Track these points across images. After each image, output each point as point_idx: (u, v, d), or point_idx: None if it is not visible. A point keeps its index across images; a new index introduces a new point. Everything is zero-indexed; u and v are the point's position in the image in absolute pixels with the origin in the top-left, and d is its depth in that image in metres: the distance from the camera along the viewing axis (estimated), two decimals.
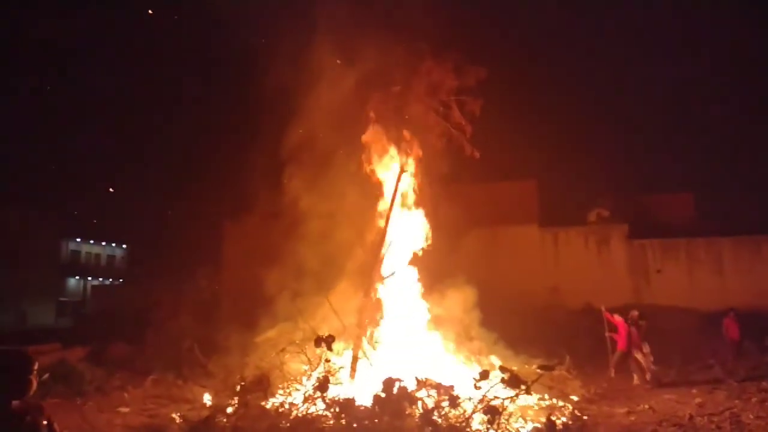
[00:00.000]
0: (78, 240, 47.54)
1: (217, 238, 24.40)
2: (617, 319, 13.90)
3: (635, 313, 13.60)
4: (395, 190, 12.42)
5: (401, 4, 13.58)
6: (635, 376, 13.19)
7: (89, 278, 47.19)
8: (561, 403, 10.67)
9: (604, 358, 14.32)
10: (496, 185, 21.99)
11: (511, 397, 8.60)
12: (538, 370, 9.44)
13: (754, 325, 15.59)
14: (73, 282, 47.41)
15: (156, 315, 18.06)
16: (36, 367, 3.19)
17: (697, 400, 11.32)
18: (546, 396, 10.87)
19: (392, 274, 12.01)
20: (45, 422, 3.24)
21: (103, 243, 49.90)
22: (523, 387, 8.54)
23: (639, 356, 13.12)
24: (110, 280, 47.59)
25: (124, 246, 49.70)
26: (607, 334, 14.23)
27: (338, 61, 12.67)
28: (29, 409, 3.23)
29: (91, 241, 48.85)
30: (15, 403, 3.11)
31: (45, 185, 43.96)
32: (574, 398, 11.25)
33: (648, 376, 12.96)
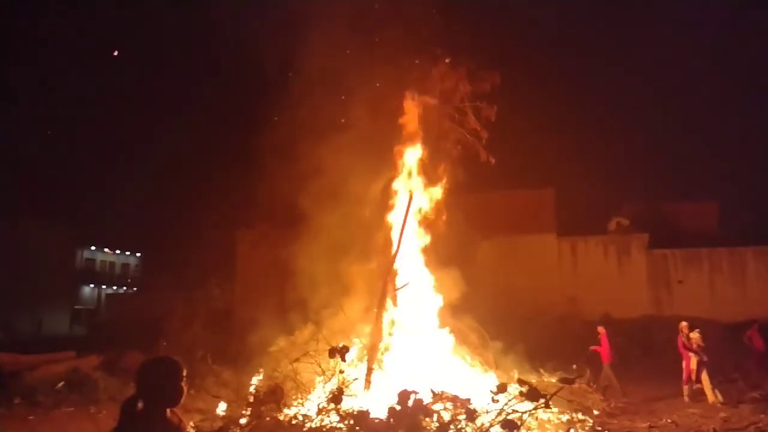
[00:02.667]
0: (93, 248, 47.91)
1: (230, 247, 24.40)
2: (601, 330, 13.68)
3: (684, 323, 13.25)
4: (409, 202, 12.27)
5: (416, 11, 13.52)
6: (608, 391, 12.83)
7: (103, 286, 47.51)
8: (581, 417, 10.40)
9: (622, 370, 14.01)
10: (512, 193, 21.76)
11: (530, 411, 8.34)
12: (558, 383, 9.18)
13: None
14: (87, 290, 47.75)
15: (169, 324, 18.04)
16: (185, 373, 3.11)
17: (722, 414, 11.03)
18: (565, 410, 10.59)
19: (406, 284, 11.82)
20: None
21: (118, 251, 50.27)
22: (542, 400, 8.28)
23: (684, 368, 12.77)
24: (124, 288, 47.88)
25: (138, 254, 49.99)
26: (591, 348, 13.78)
27: (354, 71, 12.58)
28: (179, 417, 3.20)
29: (106, 250, 49.22)
30: (168, 411, 3.07)
31: (61, 195, 44.39)
32: (595, 412, 10.96)
33: (686, 391, 12.72)
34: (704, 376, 12.47)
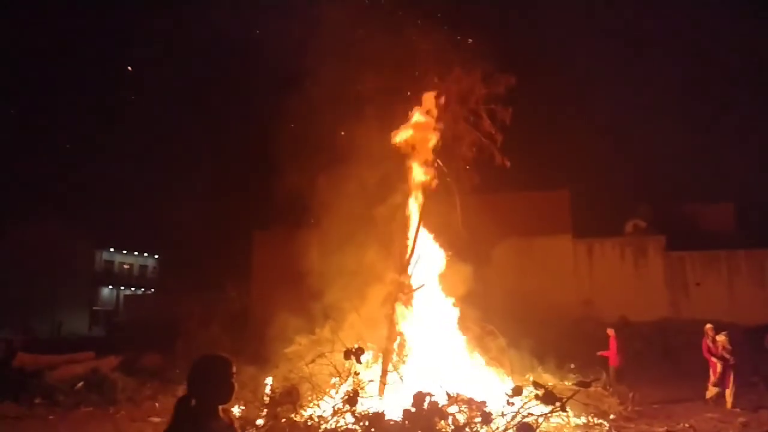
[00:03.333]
0: (111, 250, 48.47)
1: (247, 249, 24.55)
2: (610, 332, 13.55)
3: (709, 326, 12.94)
4: (424, 204, 12.30)
5: (430, 14, 13.56)
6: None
7: (122, 288, 48.05)
8: (598, 421, 10.34)
9: (640, 373, 13.90)
10: (528, 195, 21.64)
11: (546, 414, 8.32)
12: (574, 387, 9.16)
13: None
14: (106, 291, 48.32)
15: (187, 325, 18.22)
16: (234, 369, 3.14)
17: (741, 419, 10.89)
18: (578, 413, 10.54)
19: (422, 286, 11.84)
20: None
21: (136, 253, 50.79)
22: (557, 404, 8.25)
23: (711, 373, 12.45)
24: (142, 289, 48.35)
25: (156, 256, 50.47)
26: (598, 353, 13.62)
27: (369, 74, 12.64)
28: (231, 415, 3.22)
29: (124, 252, 49.77)
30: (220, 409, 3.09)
31: (80, 197, 44.92)
32: (612, 416, 10.88)
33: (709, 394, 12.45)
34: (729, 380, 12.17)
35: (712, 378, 12.46)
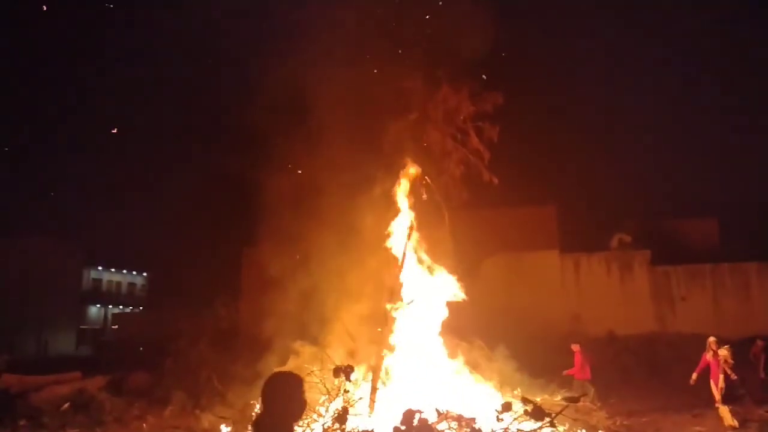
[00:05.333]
0: (99, 268, 48.08)
1: (236, 266, 24.46)
2: (575, 347, 13.54)
3: (712, 339, 12.40)
4: (413, 220, 12.40)
5: (419, 32, 13.75)
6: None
7: (110, 306, 47.61)
8: None
9: (627, 387, 13.99)
10: (515, 210, 21.80)
11: (535, 430, 8.38)
12: (563, 402, 9.21)
13: None
14: (94, 310, 47.84)
15: (175, 343, 18.08)
16: (304, 387, 3.21)
17: None
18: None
19: (411, 302, 11.90)
20: None
21: (124, 271, 50.41)
22: (547, 419, 8.32)
23: (714, 390, 11.92)
24: (130, 307, 47.94)
25: (145, 274, 50.15)
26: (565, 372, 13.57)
27: (356, 91, 12.79)
28: None
29: (112, 269, 49.37)
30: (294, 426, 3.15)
31: (67, 214, 44.67)
32: (600, 431, 10.95)
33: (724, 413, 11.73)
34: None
35: (717, 396, 11.84)
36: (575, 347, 13.68)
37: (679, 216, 24.55)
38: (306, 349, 12.16)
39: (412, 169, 12.81)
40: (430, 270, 12.62)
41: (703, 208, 25.37)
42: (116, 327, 34.51)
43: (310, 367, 11.03)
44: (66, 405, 13.96)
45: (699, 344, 14.97)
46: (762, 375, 14.21)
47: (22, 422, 13.04)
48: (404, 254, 12.07)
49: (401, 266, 11.99)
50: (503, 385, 12.20)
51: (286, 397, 3.08)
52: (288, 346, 12.32)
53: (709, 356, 12.17)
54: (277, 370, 3.35)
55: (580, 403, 11.00)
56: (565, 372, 13.61)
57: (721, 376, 11.83)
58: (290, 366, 11.87)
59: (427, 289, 12.51)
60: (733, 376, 11.86)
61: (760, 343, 14.52)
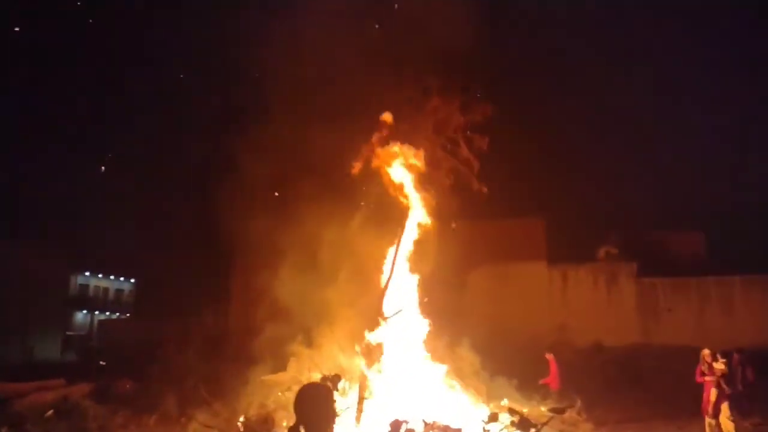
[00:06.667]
0: (87, 274, 47.64)
1: (225, 273, 24.38)
2: (549, 357, 13.74)
3: (706, 351, 12.01)
4: (402, 231, 12.45)
5: (408, 41, 13.89)
6: None
7: (97, 312, 47.16)
8: None
9: (614, 399, 14.08)
10: (503, 222, 21.92)
11: None
12: (549, 413, 9.30)
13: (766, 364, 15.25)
14: (80, 316, 47.36)
15: (162, 351, 17.97)
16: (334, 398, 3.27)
17: None
18: None
19: (398, 312, 11.93)
20: None
21: (112, 277, 49.97)
22: (533, 430, 8.40)
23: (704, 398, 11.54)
24: (117, 314, 47.51)
25: (133, 280, 49.76)
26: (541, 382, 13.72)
27: (346, 101, 12.88)
28: None
29: (100, 275, 48.93)
30: None
31: (55, 218, 44.29)
32: None
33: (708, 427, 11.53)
34: (724, 408, 11.37)
35: (709, 410, 11.49)
36: (549, 356, 13.81)
37: (665, 228, 24.77)
38: (294, 358, 12.15)
39: (401, 178, 12.87)
40: (420, 281, 12.67)
41: (689, 221, 25.62)
42: (103, 333, 34.26)
43: (298, 376, 11.04)
44: (50, 412, 13.82)
45: (683, 356, 15.15)
46: (740, 387, 14.32)
47: (4, 429, 12.89)
48: (393, 264, 12.11)
49: (390, 277, 12.03)
50: (490, 395, 12.25)
51: (319, 408, 3.13)
52: (276, 355, 12.31)
53: (704, 368, 11.83)
54: (309, 382, 3.44)
55: (566, 414, 11.14)
56: (541, 381, 13.73)
57: (714, 390, 11.46)
58: (279, 375, 11.87)
59: (416, 300, 12.56)
60: (728, 390, 11.48)
61: (736, 356, 14.61)
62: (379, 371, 11.36)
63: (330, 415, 3.17)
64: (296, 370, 11.55)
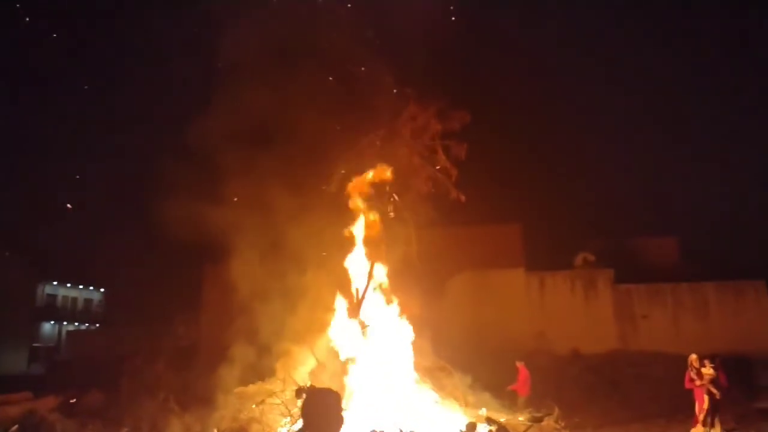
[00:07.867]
0: (54, 283, 46.42)
1: (195, 283, 23.86)
2: (519, 365, 13.83)
3: (694, 356, 11.94)
4: (378, 239, 12.33)
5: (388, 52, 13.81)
6: None
7: (65, 323, 45.93)
8: None
9: (592, 407, 14.04)
10: (480, 228, 21.88)
11: None
12: (527, 422, 9.18)
13: (739, 370, 15.41)
14: (47, 327, 46.10)
15: (132, 362, 17.53)
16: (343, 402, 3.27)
17: None
18: None
19: (368, 326, 11.71)
20: None
21: (81, 286, 48.78)
22: None
23: (697, 410, 11.46)
24: (86, 325, 46.37)
25: (102, 290, 48.66)
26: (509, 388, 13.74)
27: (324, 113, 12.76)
28: None
29: (68, 284, 47.70)
30: None
31: (21, 226, 43.16)
32: None
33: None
34: (717, 423, 11.37)
35: (699, 416, 11.44)
36: (519, 365, 13.85)
37: (641, 235, 25.00)
38: (268, 370, 11.88)
39: (379, 186, 12.76)
40: (397, 288, 12.54)
41: (663, 228, 25.93)
42: (71, 345, 33.39)
43: (273, 388, 10.77)
44: (14, 427, 13.36)
45: (660, 362, 15.22)
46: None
47: None
48: (370, 271, 11.96)
49: (367, 284, 11.88)
50: (468, 403, 12.10)
51: (327, 413, 3.17)
52: (248, 366, 12.02)
53: (692, 374, 11.71)
54: (317, 388, 3.46)
55: (544, 423, 11.03)
56: (508, 387, 13.70)
57: (706, 397, 11.36)
58: (252, 387, 11.57)
59: (393, 307, 12.41)
60: (718, 396, 11.39)
61: (717, 360, 14.70)
62: (356, 382, 11.15)
63: (337, 421, 3.19)
64: (270, 382, 11.26)
